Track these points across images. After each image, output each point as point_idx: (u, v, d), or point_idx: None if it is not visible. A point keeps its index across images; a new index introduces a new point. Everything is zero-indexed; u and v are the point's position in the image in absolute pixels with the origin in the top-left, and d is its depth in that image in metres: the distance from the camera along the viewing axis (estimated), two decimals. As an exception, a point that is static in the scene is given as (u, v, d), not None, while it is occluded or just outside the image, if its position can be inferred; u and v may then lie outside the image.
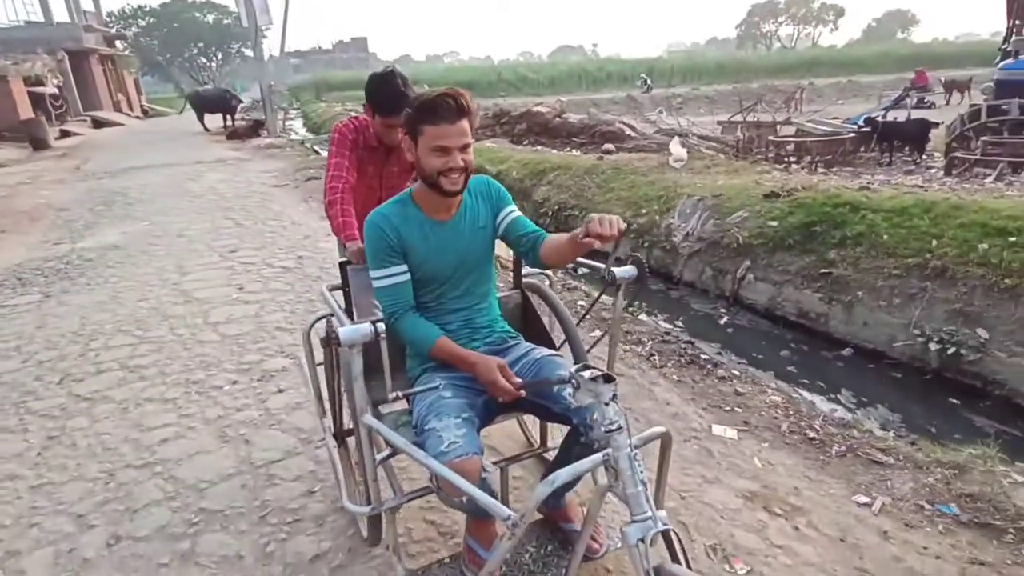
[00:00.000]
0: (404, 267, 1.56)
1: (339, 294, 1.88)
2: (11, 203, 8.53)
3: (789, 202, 4.68)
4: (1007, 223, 3.57)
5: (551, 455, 1.94)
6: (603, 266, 1.61)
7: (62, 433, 2.77)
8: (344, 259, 1.93)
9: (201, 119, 18.42)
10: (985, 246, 3.49)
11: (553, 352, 1.71)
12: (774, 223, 4.56)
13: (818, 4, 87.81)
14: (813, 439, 2.65)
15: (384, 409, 1.70)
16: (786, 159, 8.76)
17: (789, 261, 4.34)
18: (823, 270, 4.11)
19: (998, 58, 9.19)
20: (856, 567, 1.92)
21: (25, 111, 16.38)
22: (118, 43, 32.41)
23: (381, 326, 1.36)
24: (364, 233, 1.57)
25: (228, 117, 17.77)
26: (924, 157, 9.05)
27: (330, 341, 1.25)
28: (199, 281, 4.83)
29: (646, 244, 5.42)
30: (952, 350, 3.31)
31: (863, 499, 2.26)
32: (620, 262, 1.62)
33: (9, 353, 3.63)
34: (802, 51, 60.43)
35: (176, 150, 14.02)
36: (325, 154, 11.67)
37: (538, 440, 2.25)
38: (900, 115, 10.94)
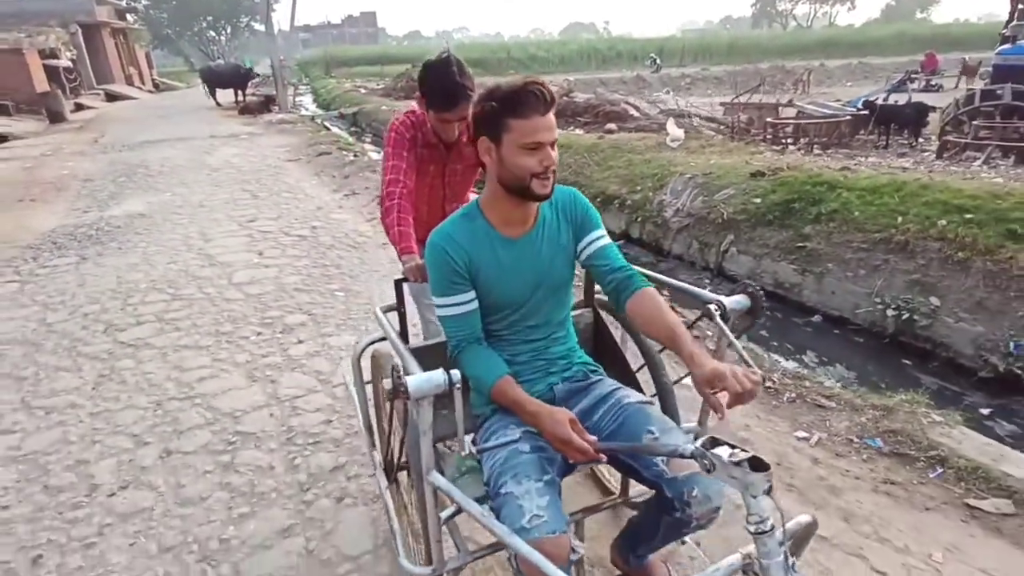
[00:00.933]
0: (472, 294, 1.35)
1: (394, 316, 1.71)
2: (37, 174, 8.93)
3: (773, 181, 4.99)
4: (966, 202, 3.87)
5: (631, 502, 1.72)
6: (705, 293, 1.44)
7: (112, 372, 3.17)
8: (401, 276, 1.71)
9: (213, 94, 18.68)
10: (944, 222, 3.79)
11: (643, 399, 1.43)
12: (757, 200, 4.87)
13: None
14: (769, 388, 3.01)
15: (447, 453, 1.57)
16: (783, 140, 8.98)
17: (769, 235, 4.66)
18: (799, 244, 4.44)
19: (999, 43, 9.30)
20: (786, 483, 2.30)
21: (41, 84, 16.70)
22: (129, 16, 32.53)
23: (456, 375, 1.17)
24: (427, 255, 1.37)
25: (240, 92, 18.03)
26: (920, 140, 9.23)
27: (397, 393, 1.13)
28: (221, 247, 5.21)
29: (639, 219, 5.74)
30: (907, 316, 3.65)
31: (802, 434, 2.62)
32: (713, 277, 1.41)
33: (56, 307, 4.04)
34: (818, 31, 59.50)
35: (190, 124, 14.34)
36: (336, 131, 12.02)
37: (618, 487, 1.87)
38: (902, 98, 11.08)
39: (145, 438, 2.61)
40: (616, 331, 1.78)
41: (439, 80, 1.84)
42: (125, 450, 2.54)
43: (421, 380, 1.16)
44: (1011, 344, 3.29)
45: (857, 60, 32.21)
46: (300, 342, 3.46)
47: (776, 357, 3.76)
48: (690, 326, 1.58)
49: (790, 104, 11.18)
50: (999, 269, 3.44)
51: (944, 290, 3.60)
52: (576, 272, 1.50)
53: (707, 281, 5.02)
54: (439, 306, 1.37)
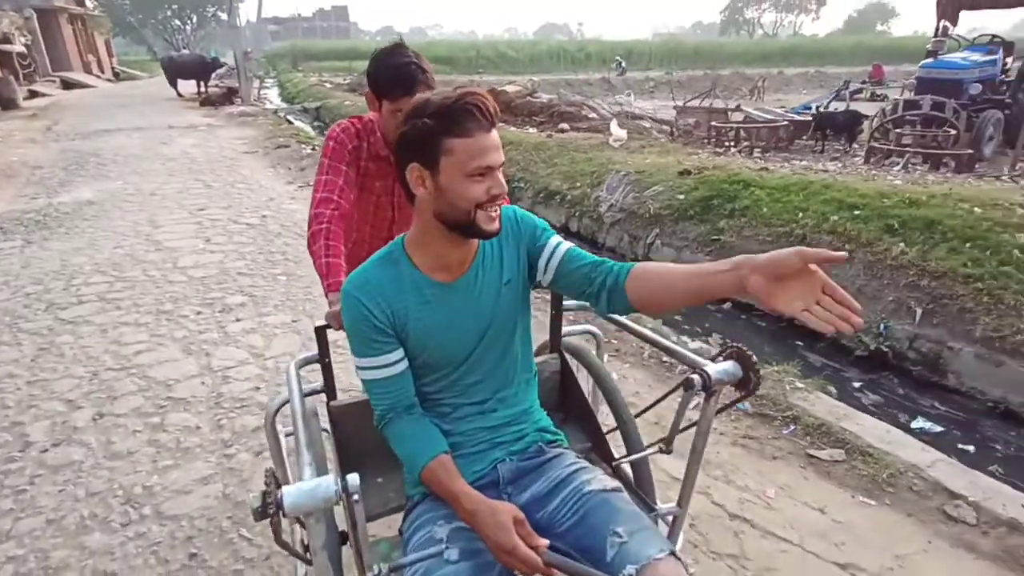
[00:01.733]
0: (399, 353, 1.12)
1: (315, 372, 1.43)
2: (-15, 160, 8.82)
3: (697, 179, 5.37)
4: (857, 200, 4.28)
5: None
6: (688, 355, 1.24)
7: (51, 346, 3.33)
8: (323, 323, 1.39)
9: (174, 84, 18.44)
10: (836, 218, 4.20)
11: (608, 485, 1.15)
12: (681, 196, 5.24)
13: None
14: (665, 362, 3.34)
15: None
16: (726, 143, 9.45)
17: (689, 229, 5.03)
18: (714, 237, 4.82)
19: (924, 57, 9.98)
20: (657, 436, 2.62)
21: (-8, 69, 16.27)
22: (88, 2, 31.65)
23: (355, 480, 0.90)
24: (342, 307, 1.13)
25: (202, 83, 17.84)
26: (855, 146, 9.81)
27: (265, 511, 0.86)
28: (169, 233, 5.34)
29: (577, 214, 6.07)
30: (799, 302, 4.07)
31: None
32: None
33: (-1, 287, 4.15)
34: (782, 39, 61.42)
35: (148, 114, 14.18)
36: (299, 124, 12.02)
37: None
38: (841, 106, 11.71)
39: (79, 403, 2.80)
40: (586, 382, 1.57)
41: (391, 59, 1.56)
42: (59, 413, 2.72)
43: (301, 493, 0.88)
44: (881, 326, 3.70)
45: (815, 69, 33.43)
46: (238, 320, 3.66)
47: (684, 339, 4.13)
48: (663, 397, 1.43)
49: (738, 109, 11.70)
50: (876, 260, 3.85)
51: (832, 278, 4.00)
52: (535, 313, 1.28)
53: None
54: (359, 368, 1.13)
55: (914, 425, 3.20)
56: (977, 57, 9.24)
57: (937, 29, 9.95)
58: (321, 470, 1.16)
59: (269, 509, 0.86)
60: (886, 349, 3.65)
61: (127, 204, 6.33)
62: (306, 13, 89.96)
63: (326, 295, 1.49)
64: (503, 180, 1.04)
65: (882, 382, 3.62)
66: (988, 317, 3.36)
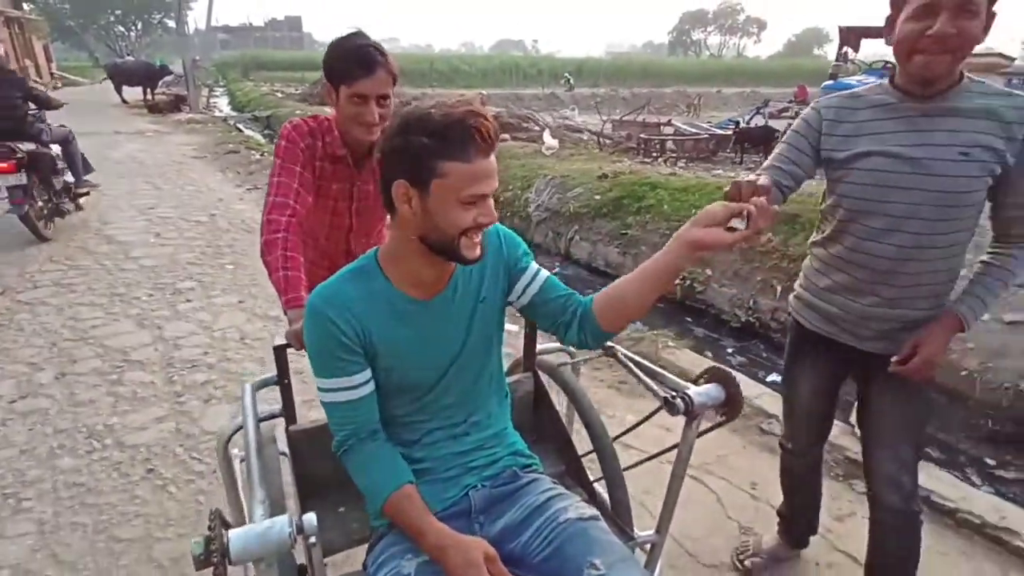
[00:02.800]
0: (366, 375, 1.07)
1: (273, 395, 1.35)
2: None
3: (612, 182, 6.05)
4: (739, 198, 5.04)
5: None
6: (670, 377, 1.20)
7: (10, 323, 3.64)
8: (282, 342, 1.31)
9: (119, 90, 18.22)
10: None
11: (585, 514, 1.11)
12: (598, 197, 5.90)
13: (743, 17, 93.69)
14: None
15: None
16: (654, 154, 10.28)
17: (603, 225, 5.69)
18: (623, 231, 5.48)
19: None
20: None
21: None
22: (25, 5, 30.65)
23: (311, 521, 0.85)
24: (307, 322, 1.07)
25: (149, 91, 17.72)
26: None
27: (209, 558, 0.78)
28: (120, 229, 5.62)
29: (509, 214, 6.66)
30: (689, 283, 4.73)
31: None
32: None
33: (-48, 275, 4.38)
34: (727, 60, 64.70)
35: (93, 121, 14.04)
36: (248, 132, 12.09)
37: None
38: (760, 122, 12.80)
39: (42, 366, 3.15)
40: (561, 403, 1.52)
41: (348, 42, 1.48)
42: (23, 374, 3.07)
43: (251, 537, 0.79)
44: (751, 301, 4.40)
45: (751, 89, 35.48)
46: (188, 301, 4.04)
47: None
48: (641, 422, 1.47)
49: (668, 123, 12.63)
50: (749, 247, 4.57)
51: (716, 263, 4.70)
52: (507, 329, 1.23)
53: (557, 264, 5.99)
54: (321, 390, 1.07)
55: (768, 379, 3.88)
56: (870, 80, 10.44)
57: (838, 55, 11.15)
58: (276, 506, 1.10)
59: (213, 557, 0.75)
60: (754, 320, 4.34)
61: (75, 203, 6.53)
62: (258, 22, 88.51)
63: (284, 312, 1.39)
64: (493, 207, 1.00)
65: (751, 347, 4.31)
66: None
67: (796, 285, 1.63)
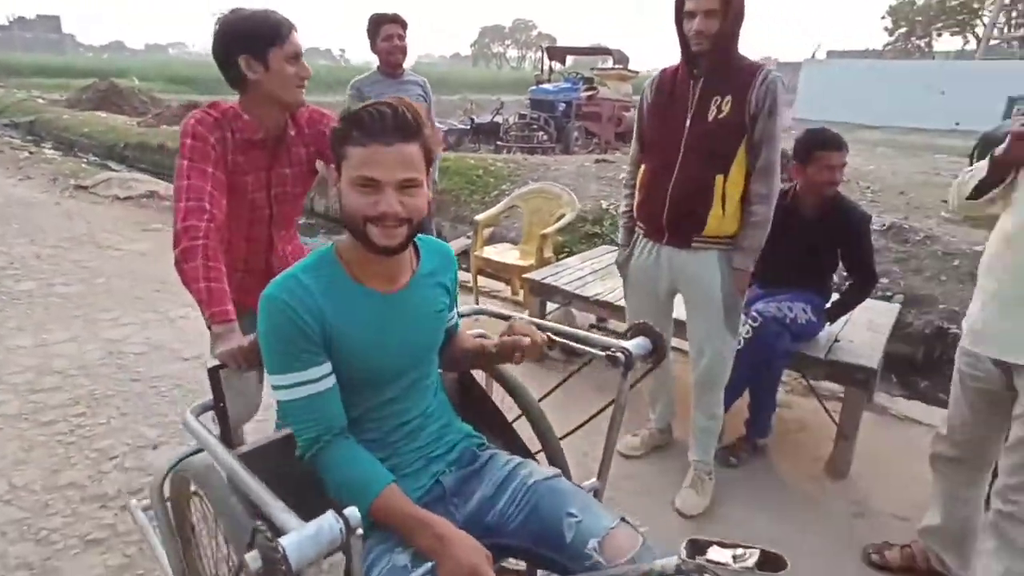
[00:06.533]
0: (327, 367, 1.03)
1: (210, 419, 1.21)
2: None
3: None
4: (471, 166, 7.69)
5: None
6: (607, 340, 1.29)
7: None
8: (215, 363, 1.19)
9: None
10: (476, 175, 7.44)
11: (548, 473, 1.17)
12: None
13: (536, 32, 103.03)
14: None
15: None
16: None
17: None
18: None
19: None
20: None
21: None
22: None
23: (355, 514, 0.78)
24: (263, 315, 1.01)
25: None
26: (498, 144, 14.02)
27: (274, 570, 0.71)
28: None
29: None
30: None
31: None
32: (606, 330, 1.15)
33: None
34: (482, 70, 72.57)
35: None
36: (7, 138, 12.14)
37: None
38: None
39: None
40: (484, 382, 1.53)
41: (254, 13, 1.45)
42: None
43: (305, 540, 0.75)
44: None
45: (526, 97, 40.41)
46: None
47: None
48: (578, 368, 1.70)
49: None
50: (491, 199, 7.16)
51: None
52: None
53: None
54: (280, 387, 1.02)
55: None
56: (564, 86, 14.18)
57: (540, 65, 15.01)
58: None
59: (280, 566, 0.71)
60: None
61: None
62: (1, 20, 75.52)
63: (209, 328, 1.32)
64: (396, 200, 0.98)
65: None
66: (456, 207, 6.86)
67: None
